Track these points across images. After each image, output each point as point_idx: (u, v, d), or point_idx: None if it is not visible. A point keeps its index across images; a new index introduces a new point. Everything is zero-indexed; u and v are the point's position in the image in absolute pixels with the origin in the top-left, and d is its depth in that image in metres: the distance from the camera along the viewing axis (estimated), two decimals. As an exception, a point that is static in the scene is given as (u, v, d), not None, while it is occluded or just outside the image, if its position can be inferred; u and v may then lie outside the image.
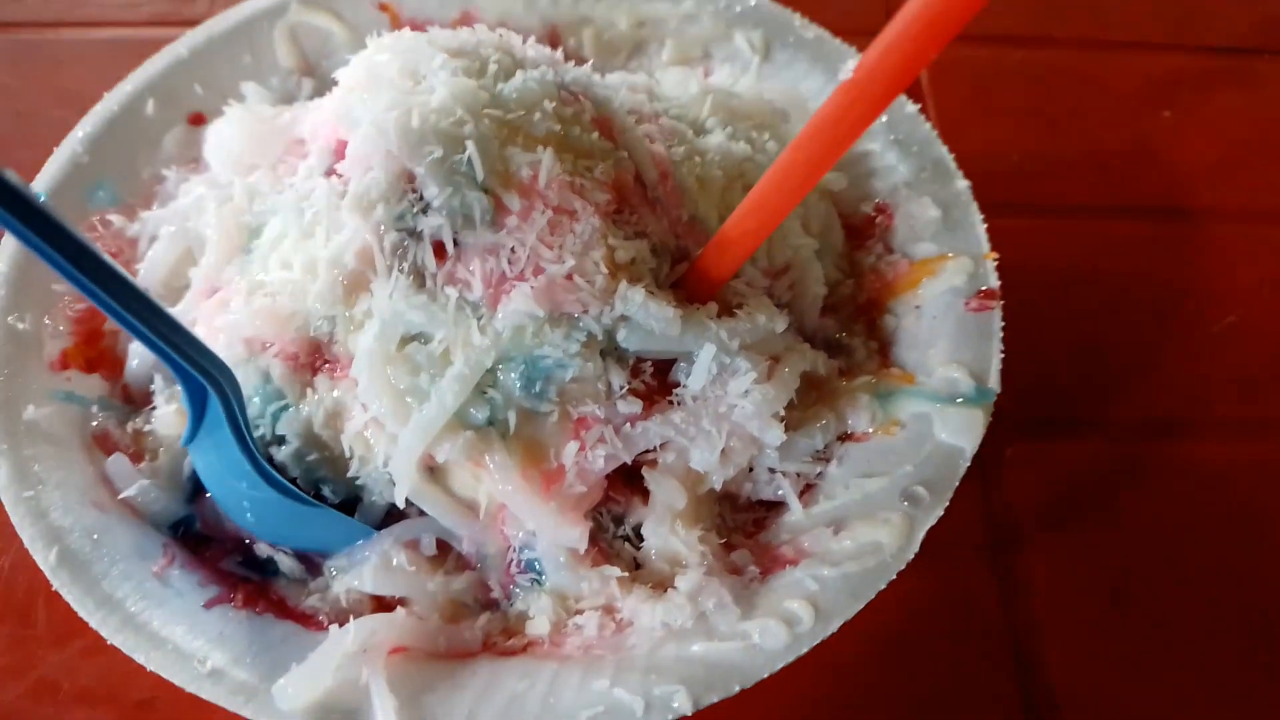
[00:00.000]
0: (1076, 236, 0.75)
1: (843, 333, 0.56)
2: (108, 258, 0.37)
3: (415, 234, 0.45)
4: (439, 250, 0.45)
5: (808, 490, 0.51)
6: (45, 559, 0.45)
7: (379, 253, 0.45)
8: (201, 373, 0.41)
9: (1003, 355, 0.52)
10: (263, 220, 0.52)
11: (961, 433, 0.50)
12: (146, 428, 0.52)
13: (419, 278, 0.45)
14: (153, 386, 0.52)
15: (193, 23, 0.84)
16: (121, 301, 0.37)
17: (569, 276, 0.45)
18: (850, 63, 0.37)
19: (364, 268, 0.46)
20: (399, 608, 0.46)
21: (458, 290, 0.45)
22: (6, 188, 0.32)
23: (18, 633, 0.56)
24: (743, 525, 0.51)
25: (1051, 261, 0.74)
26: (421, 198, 0.45)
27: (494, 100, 0.46)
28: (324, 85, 0.64)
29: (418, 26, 0.66)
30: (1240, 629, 0.59)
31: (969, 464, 0.49)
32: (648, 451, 0.48)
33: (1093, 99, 0.83)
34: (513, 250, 0.45)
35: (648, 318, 0.46)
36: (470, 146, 0.44)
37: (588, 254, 0.45)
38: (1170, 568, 0.61)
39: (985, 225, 0.57)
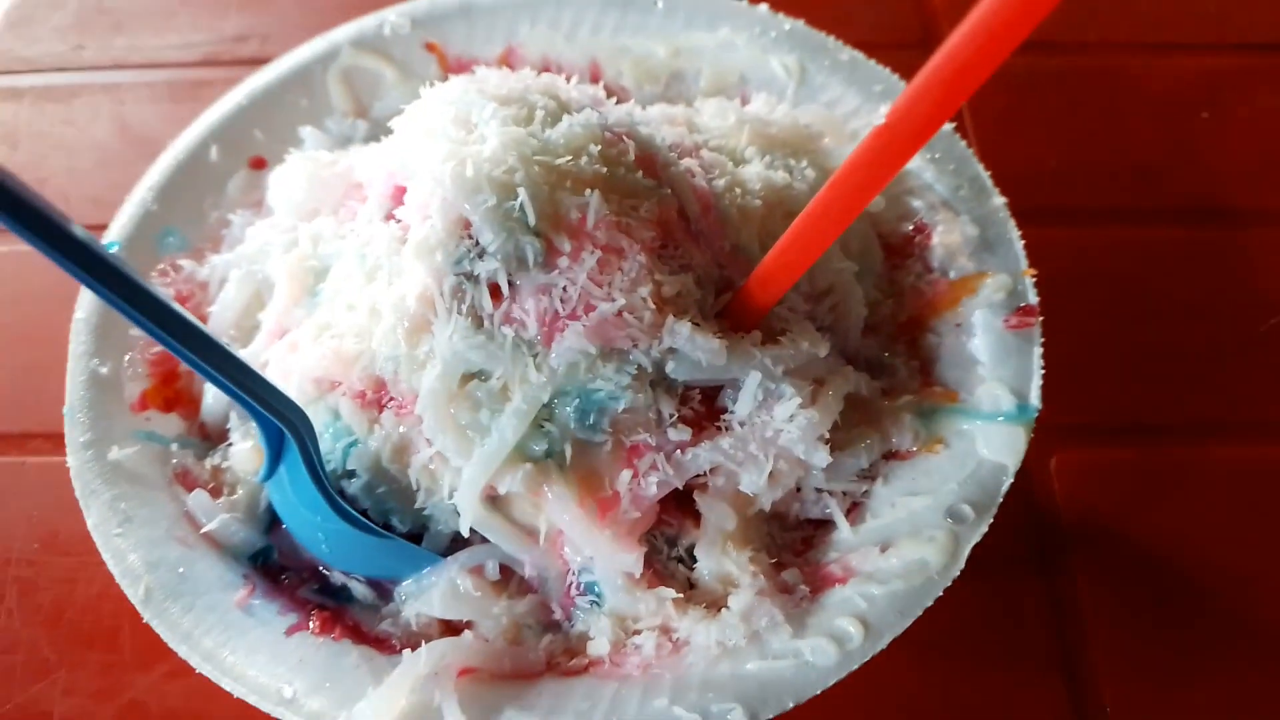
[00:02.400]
0: (1116, 241, 0.76)
1: (885, 352, 0.58)
2: (183, 311, 0.40)
3: (472, 277, 0.47)
4: (495, 292, 0.47)
5: (854, 509, 0.53)
6: (135, 594, 0.48)
7: (438, 296, 0.47)
8: (277, 415, 0.44)
9: (1043, 371, 0.54)
10: (327, 264, 0.55)
11: (1004, 450, 0.51)
12: (224, 464, 0.55)
13: (477, 319, 0.47)
14: (228, 424, 0.55)
15: (245, 61, 0.89)
16: (200, 353, 0.40)
17: (619, 313, 0.47)
18: (884, 107, 0.39)
19: (425, 310, 0.48)
20: (466, 631, 0.49)
21: (514, 329, 0.47)
22: (82, 247, 0.34)
23: (106, 659, 0.59)
24: (792, 544, 0.53)
25: (1092, 267, 0.74)
26: (477, 243, 0.47)
27: (542, 147, 0.48)
28: (377, 126, 0.67)
29: (464, 65, 0.69)
30: (1291, 633, 0.60)
31: (1012, 480, 0.50)
32: (698, 476, 0.50)
33: (1130, 103, 0.83)
34: (564, 290, 0.47)
35: (694, 349, 0.48)
36: (522, 193, 0.46)
37: (635, 290, 0.47)
38: (1219, 573, 0.61)
39: (1024, 236, 0.58)
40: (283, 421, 0.45)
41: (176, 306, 0.39)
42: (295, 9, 0.92)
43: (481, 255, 0.47)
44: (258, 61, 0.78)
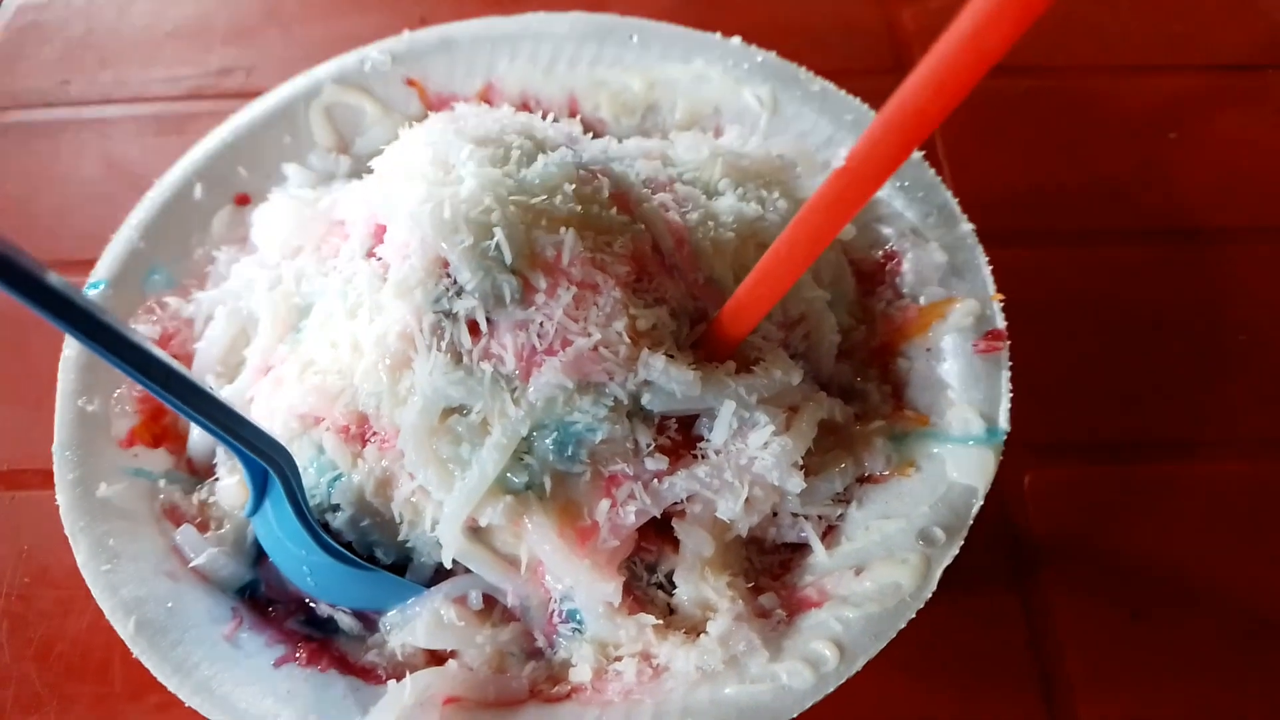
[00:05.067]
0: (1086, 262, 0.77)
1: (858, 378, 0.59)
2: (164, 356, 0.40)
3: (451, 315, 0.48)
4: (473, 329, 0.48)
5: (830, 532, 0.54)
6: (125, 629, 0.49)
7: (418, 333, 0.49)
8: (260, 454, 0.45)
9: (1012, 393, 0.55)
10: (310, 301, 0.56)
11: (973, 473, 0.52)
12: (210, 499, 0.56)
13: (456, 355, 0.49)
14: (214, 459, 0.56)
15: (230, 94, 0.91)
16: (182, 397, 0.41)
17: (594, 348, 0.48)
18: (842, 151, 0.40)
19: (405, 347, 0.49)
20: (450, 660, 0.50)
21: (492, 365, 0.48)
22: (59, 296, 0.35)
23: (98, 690, 0.60)
24: (769, 567, 0.54)
25: (1062, 288, 0.76)
26: (455, 281, 0.48)
27: (518, 186, 0.50)
28: (359, 162, 0.68)
29: (444, 100, 0.70)
30: (1264, 646, 0.61)
31: (982, 503, 0.52)
32: (676, 504, 0.51)
33: (1098, 124, 0.85)
34: (541, 325, 0.48)
35: (669, 381, 0.49)
36: (498, 233, 0.48)
37: (611, 325, 0.49)
38: (1192, 588, 0.63)
39: (994, 258, 0.60)
40: (266, 460, 0.46)
41: (157, 351, 0.40)
42: (279, 42, 0.94)
43: (460, 293, 0.48)
44: (243, 94, 0.80)
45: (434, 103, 0.71)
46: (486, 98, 0.71)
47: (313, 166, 0.68)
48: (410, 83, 0.71)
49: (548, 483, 0.49)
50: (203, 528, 0.55)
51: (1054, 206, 0.80)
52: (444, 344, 0.49)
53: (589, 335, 0.48)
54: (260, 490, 0.48)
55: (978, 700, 0.60)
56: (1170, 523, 0.65)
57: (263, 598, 0.53)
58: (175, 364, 0.41)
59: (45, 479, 0.55)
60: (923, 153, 0.65)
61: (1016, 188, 0.82)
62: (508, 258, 0.48)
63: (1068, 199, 0.81)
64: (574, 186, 0.51)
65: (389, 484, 0.51)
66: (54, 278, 0.36)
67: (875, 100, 0.66)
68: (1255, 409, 0.70)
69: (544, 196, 0.50)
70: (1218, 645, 0.61)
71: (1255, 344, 0.73)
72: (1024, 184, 0.82)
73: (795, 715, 0.46)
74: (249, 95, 0.72)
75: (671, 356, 0.50)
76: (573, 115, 0.70)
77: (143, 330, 0.60)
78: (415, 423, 0.49)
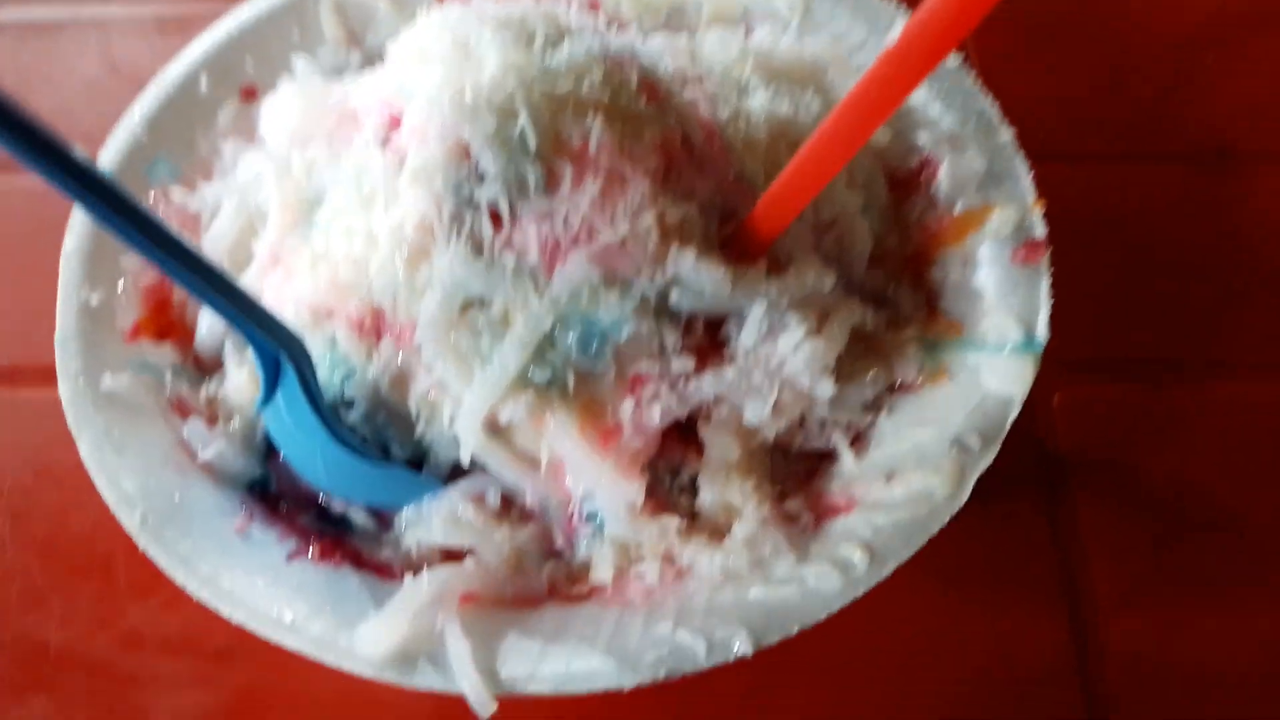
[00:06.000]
0: (1123, 181, 0.75)
1: (890, 286, 0.57)
2: (179, 234, 0.39)
3: (472, 203, 0.46)
4: (495, 218, 0.46)
5: (858, 440, 0.52)
6: (129, 521, 0.48)
7: (438, 222, 0.46)
8: (273, 340, 0.43)
9: (1051, 303, 0.53)
10: (321, 192, 0.53)
11: (1010, 381, 0.51)
12: (219, 393, 0.54)
13: (477, 245, 0.47)
14: (223, 354, 0.55)
15: (234, -5, 0.87)
16: (195, 277, 0.39)
17: (622, 241, 0.46)
18: (898, 24, 0.38)
19: (423, 237, 0.47)
20: (467, 558, 0.48)
21: (515, 256, 0.46)
22: (79, 168, 0.33)
23: (102, 588, 0.59)
24: (795, 475, 0.53)
25: (1098, 206, 0.74)
26: (477, 168, 0.46)
27: (543, 71, 0.47)
28: (371, 56, 0.65)
29: (461, -5, 0.67)
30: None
31: (1018, 412, 0.50)
32: (701, 407, 0.49)
33: (1135, 44, 0.82)
34: (567, 216, 0.46)
35: (699, 279, 0.47)
36: (523, 117, 0.45)
37: (639, 218, 0.46)
38: (1221, 511, 0.61)
39: (1031, 174, 0.58)
40: (279, 347, 0.44)
41: (173, 230, 0.38)
42: (286, -59, 0.90)
43: (481, 180, 0.46)
44: (248, -8, 0.77)
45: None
46: (505, -9, 0.67)
47: (322, 60, 0.65)
48: (425, -25, 0.68)
49: (570, 380, 0.47)
50: (211, 423, 0.53)
51: (1089, 127, 0.78)
52: (464, 234, 0.46)
53: (616, 227, 0.46)
54: (272, 380, 0.46)
55: (1004, 612, 0.59)
56: (1201, 445, 0.64)
57: (273, 494, 0.52)
58: (188, 242, 0.39)
59: (47, 376, 0.54)
60: (961, 57, 0.62)
61: (1051, 108, 0.79)
62: (532, 144, 0.45)
63: (1103, 119, 0.78)
64: (601, 73, 0.49)
65: (405, 379, 0.49)
66: (79, 152, 0.34)
67: (911, 7, 0.64)
68: (1292, 332, 0.68)
69: (571, 82, 0.47)
70: (1247, 568, 0.60)
71: (1294, 266, 0.71)
72: (1059, 104, 0.79)
73: (822, 618, 0.45)
74: (255, -7, 0.69)
75: (701, 253, 0.48)
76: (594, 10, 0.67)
77: (147, 223, 0.58)
78: (434, 315, 0.47)
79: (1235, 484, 0.62)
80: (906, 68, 0.39)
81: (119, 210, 0.35)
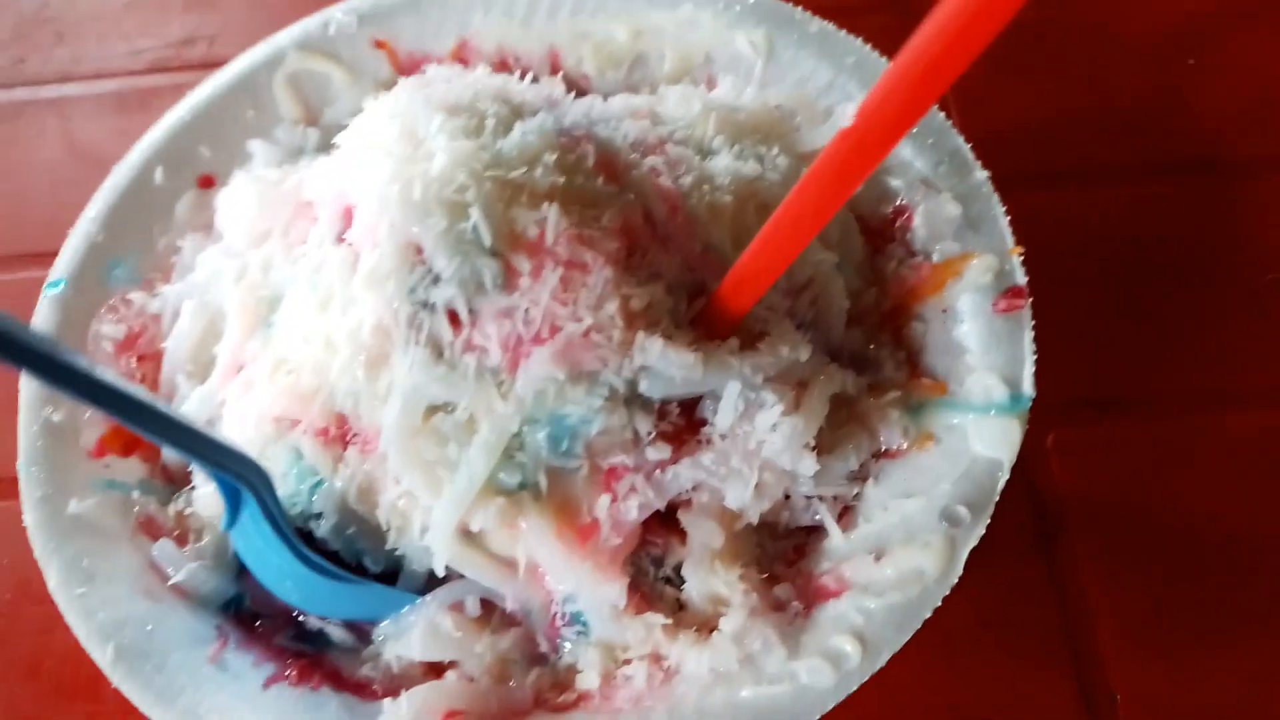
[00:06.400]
0: (1105, 200, 0.73)
1: (870, 344, 0.55)
2: (117, 381, 0.37)
3: (428, 305, 0.45)
4: (454, 319, 0.45)
5: (846, 512, 0.51)
6: (102, 657, 0.46)
7: (394, 326, 0.45)
8: (229, 472, 0.42)
9: (1036, 355, 0.51)
10: (279, 292, 0.52)
11: (997, 444, 0.49)
12: (188, 510, 0.52)
13: (436, 348, 0.45)
14: (191, 466, 0.53)
15: (194, 66, 0.86)
16: (139, 422, 0.37)
17: (586, 333, 0.44)
18: (850, 107, 0.36)
19: (381, 342, 0.46)
20: (449, 671, 0.47)
21: (476, 357, 0.45)
22: (8, 338, 0.32)
23: (90, 709, 0.57)
24: (783, 553, 0.51)
25: (1080, 230, 0.72)
26: (431, 269, 0.44)
27: (495, 159, 0.46)
28: (330, 133, 0.63)
29: (416, 61, 0.66)
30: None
31: (1008, 477, 0.48)
32: (681, 494, 0.48)
33: (1113, 52, 0.80)
34: (527, 312, 0.44)
35: (667, 365, 0.45)
36: (474, 212, 0.44)
37: (602, 307, 0.45)
38: (1230, 549, 0.60)
39: (1009, 202, 0.56)
40: (237, 477, 0.42)
41: (106, 375, 0.36)
42: (243, 7, 0.89)
43: (436, 281, 0.45)
44: (208, 65, 0.75)
45: (405, 64, 0.66)
46: (461, 56, 0.66)
47: (279, 141, 0.64)
48: (379, 44, 0.66)
49: (543, 480, 0.45)
50: (181, 540, 0.52)
51: (1070, 142, 0.76)
52: (423, 337, 0.45)
53: (579, 320, 0.44)
54: (235, 506, 0.45)
55: (1004, 676, 0.57)
56: (1205, 479, 0.62)
57: (248, 612, 0.50)
58: (128, 388, 0.37)
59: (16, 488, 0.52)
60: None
61: (1029, 124, 0.77)
62: (486, 239, 0.44)
63: (1084, 133, 0.76)
64: (555, 156, 0.47)
65: (373, 489, 0.47)
66: None
67: (878, 39, 0.62)
68: (1291, 352, 0.66)
69: (523, 169, 0.46)
70: (1258, 609, 0.58)
71: (1288, 281, 0.68)
72: (1037, 120, 0.77)
73: (816, 718, 0.43)
74: (214, 65, 0.67)
75: (669, 337, 0.46)
76: (555, 71, 0.66)
77: (108, 330, 0.57)
78: (396, 424, 0.45)
79: (1238, 518, 0.60)
80: (870, 142, 0.37)
81: (55, 372, 0.34)
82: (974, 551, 0.47)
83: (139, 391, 0.38)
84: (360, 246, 0.47)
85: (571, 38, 0.66)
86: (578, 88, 0.65)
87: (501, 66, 0.66)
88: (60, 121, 0.84)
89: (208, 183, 0.63)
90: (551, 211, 0.45)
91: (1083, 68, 0.79)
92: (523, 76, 0.56)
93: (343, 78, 0.66)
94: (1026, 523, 0.61)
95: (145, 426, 0.38)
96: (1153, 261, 0.70)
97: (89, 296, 0.57)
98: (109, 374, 0.36)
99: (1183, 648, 0.57)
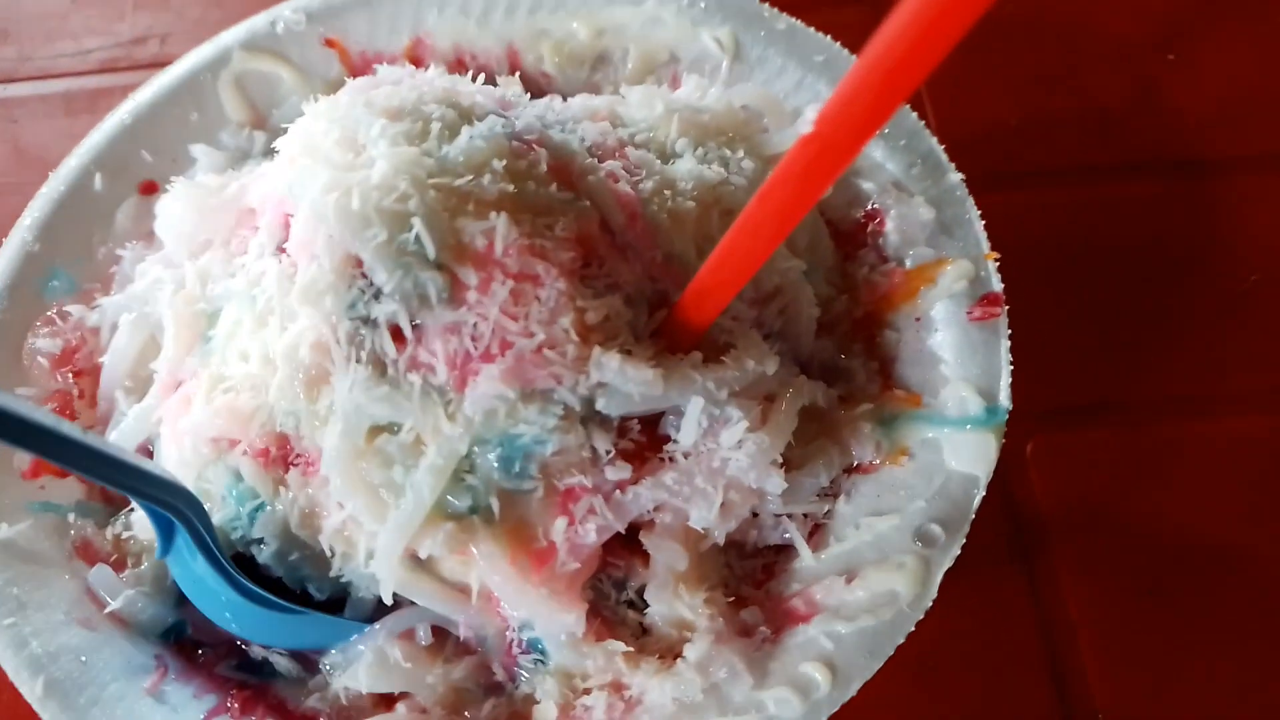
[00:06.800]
0: (1083, 201, 0.71)
1: (841, 354, 0.53)
2: (30, 413, 0.34)
3: (370, 321, 0.42)
4: (397, 335, 0.42)
5: (817, 530, 0.49)
6: (31, 691, 0.44)
7: (334, 344, 0.42)
8: (159, 503, 0.39)
9: (1012, 364, 0.50)
10: (218, 305, 0.49)
11: (973, 460, 0.47)
12: (126, 534, 0.50)
13: (380, 366, 0.43)
14: (126, 489, 0.51)
15: (145, 65, 0.83)
16: (67, 460, 0.35)
17: (538, 349, 0.42)
18: (810, 112, 0.34)
19: (321, 359, 0.43)
20: (399, 704, 0.45)
21: (421, 376, 0.42)
22: None
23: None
24: (751, 573, 0.49)
25: (1058, 232, 0.70)
26: (371, 283, 0.42)
27: (439, 166, 0.43)
28: (276, 137, 0.60)
29: (369, 61, 0.63)
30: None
31: (984, 494, 0.46)
32: (643, 515, 0.46)
33: (1089, 49, 0.78)
34: (475, 327, 0.42)
35: (626, 382, 0.43)
36: (417, 223, 0.41)
37: (556, 322, 0.42)
38: (1211, 556, 0.58)
39: (983, 203, 0.54)
40: (167, 508, 0.40)
41: (24, 410, 0.33)
42: (195, 5, 0.86)
43: (378, 296, 0.42)
44: (158, 64, 0.71)
45: (356, 64, 0.63)
46: (415, 55, 0.63)
47: (224, 145, 0.61)
48: (329, 43, 0.63)
49: (495, 504, 0.43)
50: (120, 565, 0.49)
51: (1046, 142, 0.74)
52: (364, 354, 0.42)
53: (531, 335, 0.42)
54: (168, 535, 0.42)
55: (985, 696, 0.55)
56: (1186, 487, 0.60)
57: (190, 640, 0.48)
58: (45, 420, 0.35)
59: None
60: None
61: (1005, 124, 0.75)
62: (430, 251, 0.41)
63: (1060, 133, 0.74)
64: (505, 162, 0.44)
65: (316, 514, 0.45)
66: None
67: (846, 36, 0.60)
68: (1273, 356, 0.64)
69: (470, 176, 0.43)
70: (1240, 618, 0.57)
71: (1268, 283, 0.67)
72: (1012, 119, 0.75)
73: (785, 751, 0.41)
74: (165, 65, 0.64)
75: (628, 352, 0.44)
76: (513, 70, 0.63)
77: (43, 345, 0.54)
78: (338, 446, 0.43)
79: (1222, 526, 0.59)
80: (832, 149, 0.35)
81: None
82: (951, 564, 0.45)
83: (60, 424, 0.35)
84: (297, 259, 0.44)
85: (530, 35, 0.64)
86: (537, 87, 0.63)
87: (458, 66, 0.63)
88: (5, 124, 0.81)
89: (150, 189, 0.60)
90: (500, 221, 0.42)
91: (1058, 64, 0.78)
92: (478, 76, 0.54)
93: (292, 78, 0.63)
94: (1005, 534, 0.60)
95: (68, 461, 0.35)
96: (1132, 264, 0.68)
97: (24, 309, 0.55)
98: (25, 407, 0.34)
99: (1165, 659, 0.56)
